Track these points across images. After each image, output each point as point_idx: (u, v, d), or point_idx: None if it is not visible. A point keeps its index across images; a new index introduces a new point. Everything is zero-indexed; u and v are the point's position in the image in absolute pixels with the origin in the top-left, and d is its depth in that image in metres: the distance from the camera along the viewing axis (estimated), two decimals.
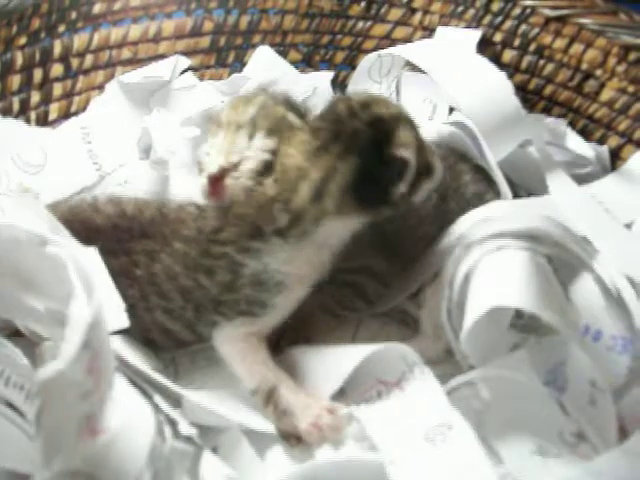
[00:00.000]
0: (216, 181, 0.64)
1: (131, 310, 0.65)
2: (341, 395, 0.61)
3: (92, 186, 0.87)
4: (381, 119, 0.61)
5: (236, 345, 0.63)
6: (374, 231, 0.66)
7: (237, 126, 0.67)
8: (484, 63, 0.81)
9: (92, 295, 0.46)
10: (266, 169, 0.65)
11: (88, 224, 0.69)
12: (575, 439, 0.53)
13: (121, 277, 0.62)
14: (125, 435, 0.46)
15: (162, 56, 0.96)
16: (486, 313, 0.57)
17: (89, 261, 0.56)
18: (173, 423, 0.56)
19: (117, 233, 0.69)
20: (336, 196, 0.60)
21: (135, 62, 0.96)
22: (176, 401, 0.60)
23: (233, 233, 0.64)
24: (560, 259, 0.63)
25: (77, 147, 0.89)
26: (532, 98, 0.94)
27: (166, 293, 0.66)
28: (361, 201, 0.61)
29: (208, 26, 0.98)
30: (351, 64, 1.02)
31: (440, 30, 0.95)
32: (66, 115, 0.94)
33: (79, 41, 0.91)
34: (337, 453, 0.54)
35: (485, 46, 0.94)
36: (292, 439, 0.59)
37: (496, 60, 0.94)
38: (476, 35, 0.93)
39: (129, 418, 0.47)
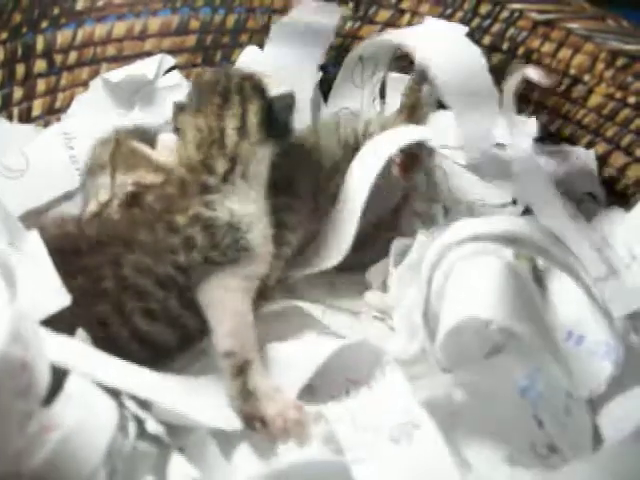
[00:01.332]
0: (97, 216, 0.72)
1: (103, 329, 0.65)
2: (310, 392, 0.60)
3: (74, 191, 0.86)
4: (246, 75, 0.76)
5: (224, 294, 0.65)
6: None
7: (100, 168, 0.74)
8: (460, 39, 0.83)
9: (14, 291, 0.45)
10: (134, 199, 0.71)
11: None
12: (547, 451, 0.52)
13: (85, 297, 0.62)
14: (80, 432, 0.45)
15: (148, 53, 0.95)
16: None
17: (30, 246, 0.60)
18: (140, 421, 0.55)
19: (64, 256, 0.66)
20: (255, 130, 0.72)
21: (120, 59, 0.94)
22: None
23: (187, 198, 0.68)
24: (543, 263, 0.62)
25: (59, 153, 0.88)
26: (519, 103, 0.94)
27: (143, 291, 0.66)
28: (273, 131, 0.73)
29: (194, 24, 0.96)
30: (340, 64, 1.01)
31: (428, 21, 0.94)
32: (49, 112, 0.93)
33: (62, 37, 0.90)
34: (303, 453, 0.53)
35: None
36: (256, 423, 0.58)
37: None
38: (462, 30, 0.92)
39: (86, 414, 0.46)
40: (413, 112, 0.86)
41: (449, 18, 0.93)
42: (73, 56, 0.92)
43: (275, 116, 0.74)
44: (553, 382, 0.58)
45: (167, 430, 0.56)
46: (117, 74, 0.94)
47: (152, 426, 0.54)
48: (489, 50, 0.93)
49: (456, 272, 0.58)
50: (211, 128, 0.72)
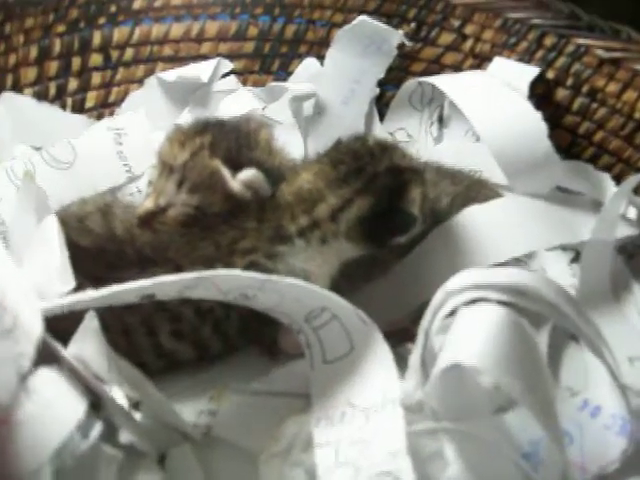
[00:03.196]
0: (146, 219, 0.69)
1: (125, 338, 0.65)
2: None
3: (120, 187, 0.88)
4: (399, 169, 0.68)
5: None
6: None
7: (170, 169, 0.70)
8: (519, 101, 0.76)
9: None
10: (191, 220, 0.69)
11: (74, 243, 0.66)
12: None
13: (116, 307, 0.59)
14: (30, 428, 0.44)
15: (204, 57, 0.96)
16: (458, 369, 0.52)
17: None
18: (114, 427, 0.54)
19: (105, 258, 0.66)
20: (349, 224, 0.67)
21: (176, 60, 0.95)
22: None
23: (254, 239, 0.66)
24: (555, 322, 0.58)
25: (108, 148, 0.89)
26: (581, 142, 0.88)
27: (178, 316, 0.66)
28: (367, 236, 0.67)
29: (253, 31, 0.96)
30: (398, 85, 0.98)
31: (497, 61, 0.90)
32: (103, 105, 0.95)
33: (119, 34, 0.92)
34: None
35: (537, 83, 0.88)
36: None
37: (547, 99, 0.89)
38: (532, 72, 0.87)
39: (41, 411, 0.45)
40: None
41: (513, 47, 0.88)
42: (129, 53, 0.94)
43: (381, 226, 0.67)
44: (550, 458, 0.53)
45: (149, 436, 0.55)
46: (172, 74, 0.95)
47: (125, 436, 0.53)
48: (553, 85, 0.88)
49: (456, 318, 0.55)
50: (317, 188, 0.68)
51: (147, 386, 0.57)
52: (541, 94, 0.89)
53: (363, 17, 0.93)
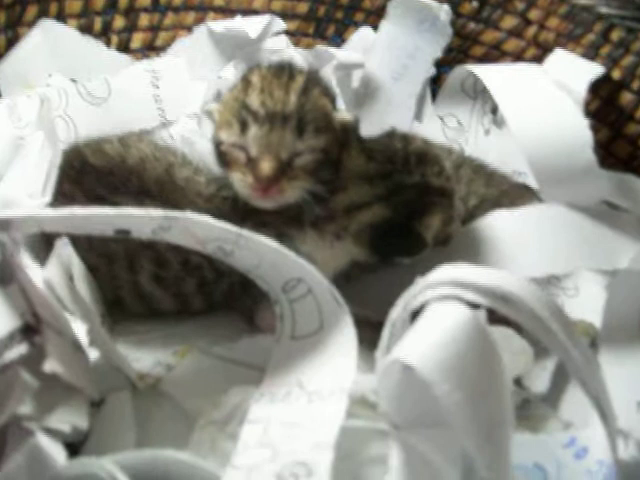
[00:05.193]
0: (269, 182, 0.61)
1: (108, 264, 0.65)
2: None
3: (152, 131, 0.86)
4: (428, 188, 0.64)
5: None
6: None
7: (282, 118, 0.61)
8: (566, 103, 0.69)
9: None
10: (321, 166, 0.63)
11: (87, 161, 0.68)
12: None
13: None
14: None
15: (255, 12, 0.93)
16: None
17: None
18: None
19: (111, 180, 0.66)
20: (360, 227, 0.64)
21: (227, 12, 0.93)
22: None
23: (269, 214, 0.63)
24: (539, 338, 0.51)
25: (143, 89, 0.87)
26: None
27: (164, 261, 0.65)
28: (373, 246, 0.64)
29: None
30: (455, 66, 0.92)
31: (558, 53, 0.83)
32: (149, 47, 0.93)
33: None
34: None
35: (601, 83, 0.80)
36: None
37: (611, 101, 0.81)
38: (595, 70, 0.80)
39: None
40: None
41: (578, 39, 0.81)
42: None
43: (389, 242, 0.64)
44: None
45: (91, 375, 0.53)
46: (220, 25, 0.92)
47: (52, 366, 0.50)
48: (617, 87, 0.80)
49: (422, 314, 0.50)
50: (343, 176, 0.65)
51: (98, 325, 0.55)
52: (604, 97, 0.81)
53: None
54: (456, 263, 0.61)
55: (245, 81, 0.65)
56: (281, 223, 0.64)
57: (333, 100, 0.68)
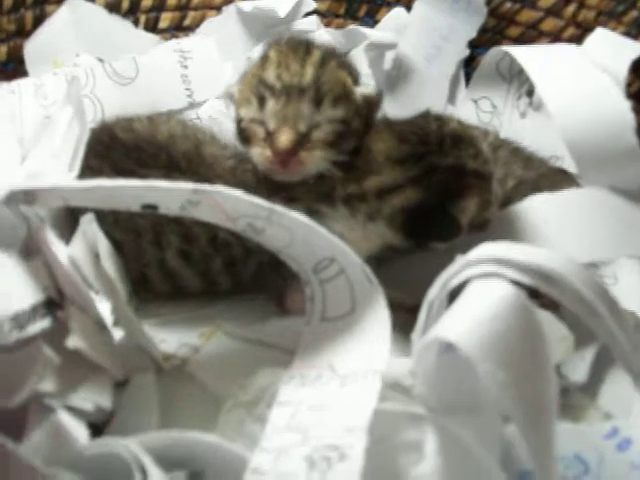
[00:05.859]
0: (288, 154, 0.61)
1: (134, 240, 0.63)
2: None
3: (180, 111, 0.84)
4: (463, 170, 0.62)
5: None
6: None
7: (298, 90, 0.61)
8: (607, 85, 0.66)
9: None
10: (339, 139, 0.62)
11: (116, 137, 0.67)
12: None
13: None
14: None
15: None
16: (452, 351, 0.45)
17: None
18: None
19: (139, 155, 0.65)
20: (393, 210, 0.62)
21: None
22: None
23: (300, 190, 0.62)
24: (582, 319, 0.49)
25: (171, 69, 0.85)
26: None
27: (191, 237, 0.63)
28: (406, 230, 0.62)
29: None
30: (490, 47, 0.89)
31: (598, 32, 0.79)
32: (177, 27, 0.92)
33: None
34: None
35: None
36: None
37: None
38: (638, 50, 0.76)
39: None
40: None
41: (620, 17, 0.77)
42: None
43: (422, 225, 0.62)
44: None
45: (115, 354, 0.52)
46: (249, 4, 0.90)
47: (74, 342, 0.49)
48: None
49: (463, 292, 0.47)
50: (376, 159, 0.63)
51: (124, 304, 0.53)
52: None
53: None
54: None
55: (263, 57, 0.65)
56: (311, 198, 0.63)
57: (354, 74, 0.66)
